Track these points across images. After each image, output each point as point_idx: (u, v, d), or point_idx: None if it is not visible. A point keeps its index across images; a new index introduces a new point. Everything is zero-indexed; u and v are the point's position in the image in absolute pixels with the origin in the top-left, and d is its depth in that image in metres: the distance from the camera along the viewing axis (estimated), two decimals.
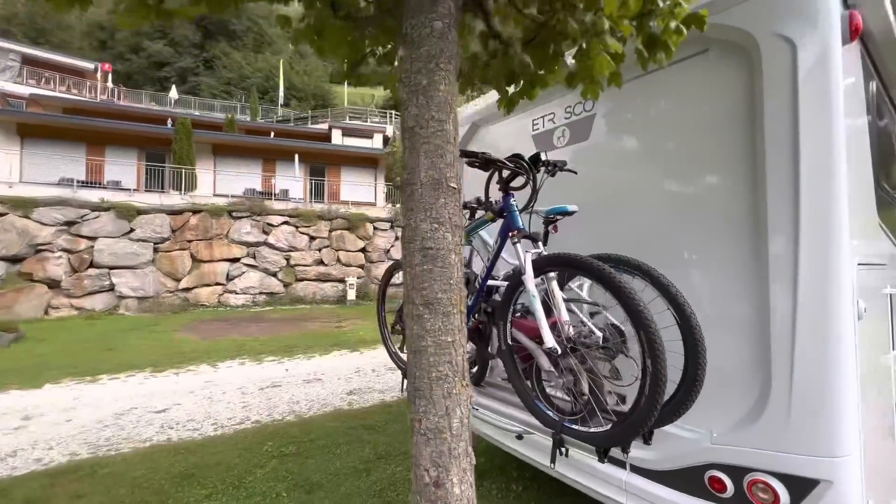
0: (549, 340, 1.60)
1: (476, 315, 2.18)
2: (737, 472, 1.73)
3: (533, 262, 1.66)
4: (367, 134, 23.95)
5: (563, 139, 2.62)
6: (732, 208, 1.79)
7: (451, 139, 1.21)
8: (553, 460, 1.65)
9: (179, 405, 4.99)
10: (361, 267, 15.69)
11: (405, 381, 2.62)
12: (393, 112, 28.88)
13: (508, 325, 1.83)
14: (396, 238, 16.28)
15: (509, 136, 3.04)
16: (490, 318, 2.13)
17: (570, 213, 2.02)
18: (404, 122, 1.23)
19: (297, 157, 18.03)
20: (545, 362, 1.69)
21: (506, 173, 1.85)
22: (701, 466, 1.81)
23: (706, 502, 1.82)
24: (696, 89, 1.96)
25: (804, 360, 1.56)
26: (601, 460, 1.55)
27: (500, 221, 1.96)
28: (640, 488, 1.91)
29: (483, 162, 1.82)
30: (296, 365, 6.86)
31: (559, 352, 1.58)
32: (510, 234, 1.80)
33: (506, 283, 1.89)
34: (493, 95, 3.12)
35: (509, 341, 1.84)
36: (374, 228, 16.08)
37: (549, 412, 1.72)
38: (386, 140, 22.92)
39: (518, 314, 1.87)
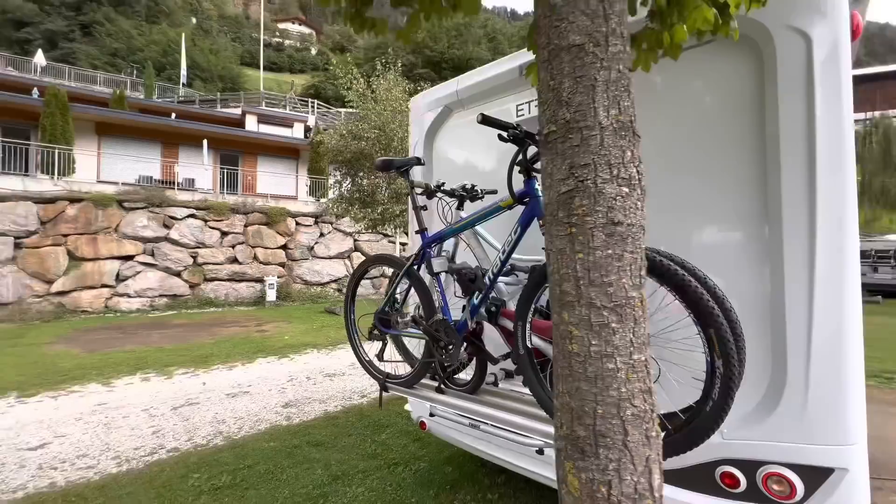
0: None
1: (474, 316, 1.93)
2: (750, 467, 1.70)
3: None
4: (287, 123, 22.28)
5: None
6: (744, 201, 1.77)
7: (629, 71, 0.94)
8: None
9: (63, 437, 4.00)
10: (282, 265, 14.49)
11: (383, 395, 2.28)
12: (316, 101, 27.26)
13: (528, 326, 1.61)
14: (322, 234, 15.31)
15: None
16: (493, 318, 1.89)
17: None
18: (559, 38, 0.90)
19: (205, 142, 16.08)
20: None
21: (532, 151, 1.62)
22: (712, 463, 1.77)
23: (718, 499, 1.78)
24: (703, 79, 1.93)
25: (821, 351, 1.57)
26: None
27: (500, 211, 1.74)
28: None
29: (518, 136, 1.58)
30: (214, 377, 5.99)
31: None
32: (540, 223, 1.58)
33: (524, 278, 1.67)
34: (471, 76, 2.90)
35: (529, 345, 1.62)
36: (297, 224, 14.94)
37: None
38: (308, 130, 21.51)
39: (536, 314, 1.66)
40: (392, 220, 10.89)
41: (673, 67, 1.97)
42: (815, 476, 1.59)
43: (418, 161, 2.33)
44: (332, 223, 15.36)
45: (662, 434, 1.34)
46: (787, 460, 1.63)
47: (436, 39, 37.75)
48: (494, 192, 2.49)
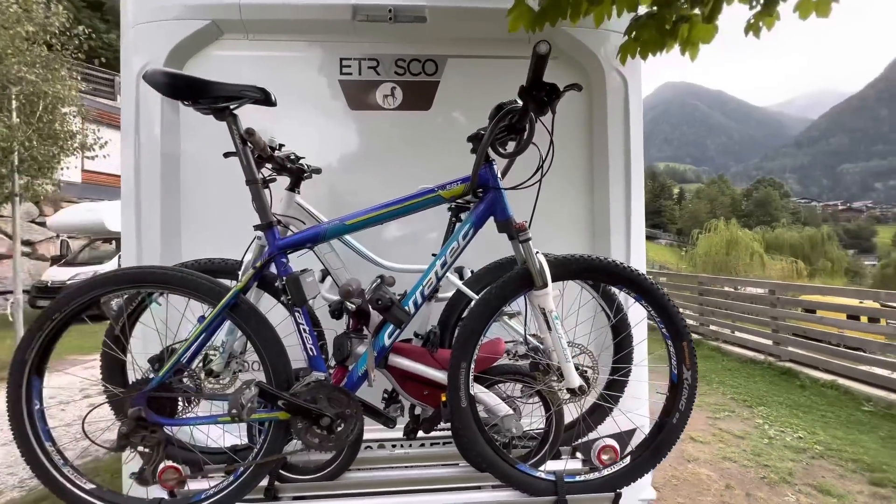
0: (573, 377, 1.16)
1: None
2: None
3: (550, 263, 1.14)
4: None
5: (394, 100, 2.01)
6: (574, 198, 2.07)
7: None
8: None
9: None
10: None
11: None
12: None
13: (472, 365, 1.18)
14: None
15: (295, 68, 2.00)
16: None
17: None
18: None
19: None
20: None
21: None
22: None
23: None
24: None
25: None
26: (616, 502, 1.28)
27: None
28: None
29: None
30: None
31: (585, 390, 1.17)
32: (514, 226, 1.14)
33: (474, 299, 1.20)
34: None
35: (472, 392, 1.19)
36: None
37: (540, 475, 1.25)
38: None
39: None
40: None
41: (517, 68, 2.04)
42: None
43: (266, 97, 1.25)
44: None
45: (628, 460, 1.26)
46: None
47: None
48: (318, 170, 1.77)
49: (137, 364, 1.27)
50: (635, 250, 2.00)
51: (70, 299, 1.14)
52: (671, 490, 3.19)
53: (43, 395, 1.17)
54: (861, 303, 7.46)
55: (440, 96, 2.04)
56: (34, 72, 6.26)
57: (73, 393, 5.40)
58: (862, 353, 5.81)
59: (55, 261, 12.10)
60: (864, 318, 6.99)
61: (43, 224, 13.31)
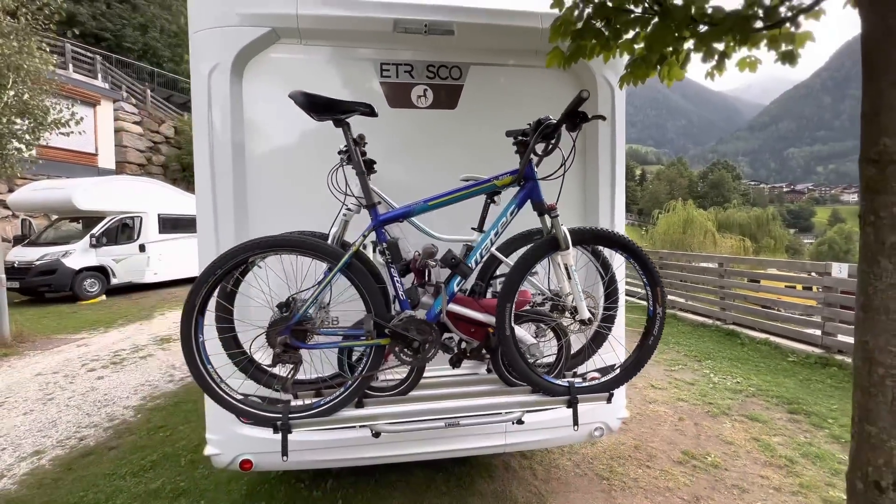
0: (585, 311, 1.68)
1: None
2: None
3: (570, 232, 1.64)
4: None
5: (426, 100, 2.41)
6: (572, 185, 2.50)
7: None
8: (576, 423, 1.75)
9: None
10: None
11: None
12: None
13: (513, 307, 1.68)
14: None
15: (342, 70, 2.35)
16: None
17: None
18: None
19: None
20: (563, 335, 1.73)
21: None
22: None
23: None
24: (545, 89, 2.47)
25: None
26: (609, 401, 1.82)
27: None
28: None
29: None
30: None
31: (592, 321, 1.69)
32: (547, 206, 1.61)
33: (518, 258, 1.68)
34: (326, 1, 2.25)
35: (514, 324, 1.69)
36: None
37: (559, 382, 1.78)
38: None
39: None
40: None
41: (525, 75, 2.44)
42: None
43: (371, 110, 1.65)
44: None
45: (617, 373, 1.81)
46: None
47: None
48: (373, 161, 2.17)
49: (273, 307, 1.66)
50: (618, 226, 2.53)
51: (229, 258, 1.53)
52: (637, 423, 3.88)
53: (204, 330, 1.56)
54: (794, 275, 8.57)
55: (464, 97, 2.46)
56: (9, 45, 6.05)
57: (76, 367, 5.55)
58: (790, 315, 6.82)
59: (17, 241, 11.60)
60: (799, 287, 8.07)
61: (2, 203, 12.62)
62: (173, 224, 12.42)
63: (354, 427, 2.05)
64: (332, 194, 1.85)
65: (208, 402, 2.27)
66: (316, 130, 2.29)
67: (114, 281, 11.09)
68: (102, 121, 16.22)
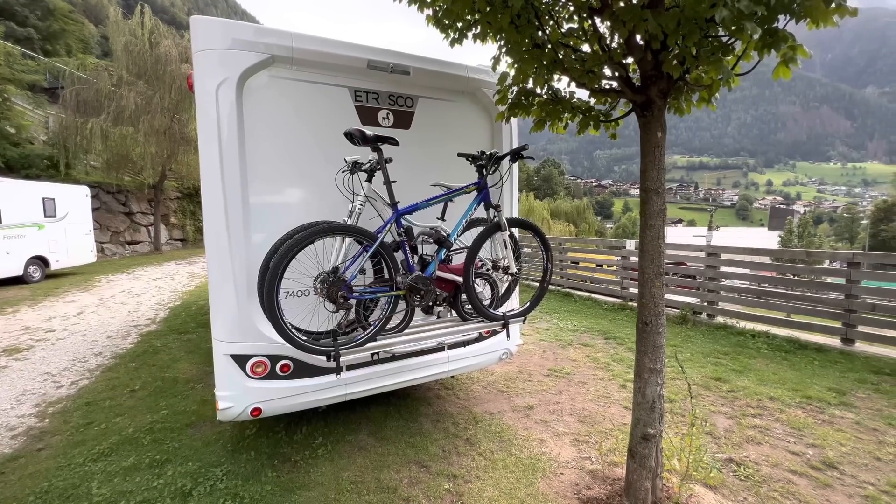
0: (514, 267, 2.82)
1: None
2: None
3: (508, 220, 2.75)
4: None
5: (388, 121, 3.22)
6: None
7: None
8: (508, 336, 2.88)
9: None
10: None
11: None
12: None
13: (473, 267, 2.73)
14: None
15: (324, 93, 2.99)
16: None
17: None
18: None
19: None
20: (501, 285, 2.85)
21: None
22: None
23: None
24: (467, 117, 3.53)
25: None
26: (517, 321, 3.00)
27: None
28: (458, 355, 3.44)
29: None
30: None
31: (515, 275, 2.85)
32: (493, 205, 2.67)
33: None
34: (314, 41, 2.83)
35: (475, 277, 2.75)
36: None
37: (497, 312, 2.90)
38: None
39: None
40: None
41: (445, 107, 3.46)
42: None
43: (396, 142, 2.39)
44: None
45: (526, 306, 3.03)
46: None
47: None
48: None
49: (330, 276, 2.31)
50: (514, 214, 3.76)
51: (302, 240, 2.15)
52: (518, 357, 5.39)
53: (281, 292, 2.14)
54: (603, 250, 11.73)
55: (416, 121, 3.33)
56: None
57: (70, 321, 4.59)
58: (604, 279, 9.53)
59: None
60: (609, 258, 11.13)
61: None
62: None
63: (367, 355, 2.81)
64: (342, 194, 2.57)
65: (218, 366, 2.73)
66: (302, 137, 2.91)
67: None
68: None
